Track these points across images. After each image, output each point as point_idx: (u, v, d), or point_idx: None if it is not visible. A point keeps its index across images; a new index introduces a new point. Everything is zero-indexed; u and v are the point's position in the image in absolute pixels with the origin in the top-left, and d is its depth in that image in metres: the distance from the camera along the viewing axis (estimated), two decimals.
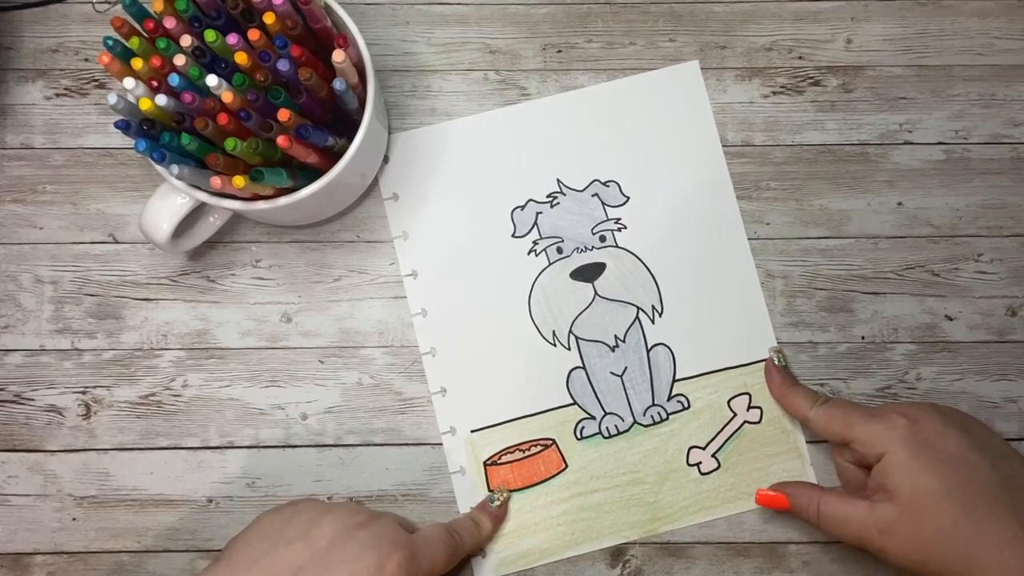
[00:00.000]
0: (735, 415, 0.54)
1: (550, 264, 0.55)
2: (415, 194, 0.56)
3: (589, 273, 0.55)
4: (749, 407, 0.54)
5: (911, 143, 0.56)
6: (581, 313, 0.55)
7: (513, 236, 0.56)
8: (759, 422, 0.54)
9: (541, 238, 0.55)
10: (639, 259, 0.55)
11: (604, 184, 0.56)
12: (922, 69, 0.57)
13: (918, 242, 0.56)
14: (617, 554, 0.53)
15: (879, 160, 0.56)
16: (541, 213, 0.56)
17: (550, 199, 0.56)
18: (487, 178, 0.56)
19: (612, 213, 0.56)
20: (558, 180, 0.56)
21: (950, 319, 0.55)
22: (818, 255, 0.55)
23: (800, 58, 0.57)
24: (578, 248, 0.55)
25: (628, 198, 0.56)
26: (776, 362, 0.54)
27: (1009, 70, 0.57)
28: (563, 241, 0.55)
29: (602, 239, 0.55)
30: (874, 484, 0.47)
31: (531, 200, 0.56)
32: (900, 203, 0.56)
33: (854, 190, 0.56)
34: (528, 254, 0.55)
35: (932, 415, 0.47)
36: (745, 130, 0.57)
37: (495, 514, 0.52)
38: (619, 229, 0.56)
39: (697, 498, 0.53)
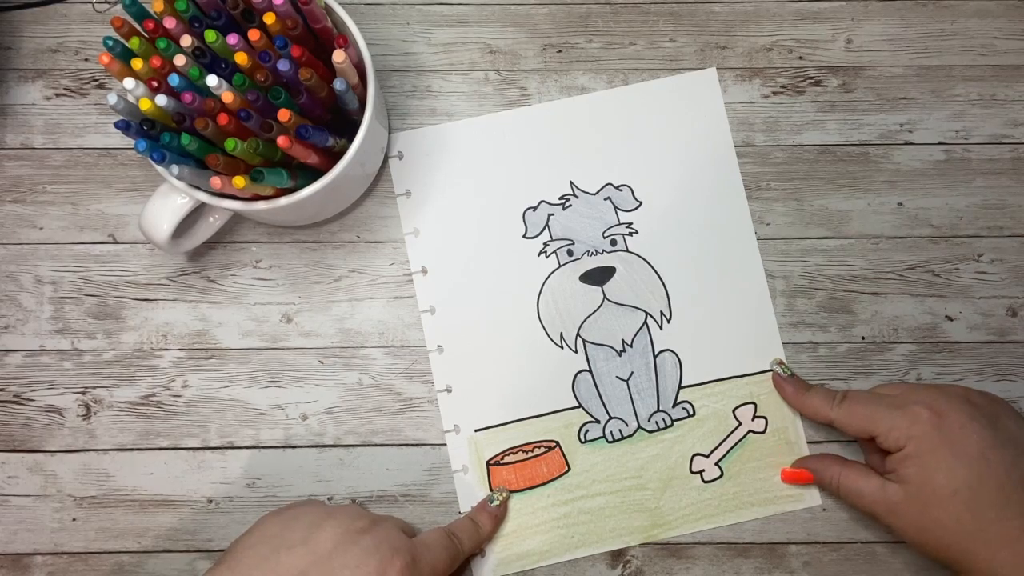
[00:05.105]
0: (740, 424, 0.54)
1: (560, 266, 0.55)
2: (428, 191, 0.56)
3: (599, 277, 0.55)
4: (754, 416, 0.54)
5: (911, 143, 0.56)
6: (589, 316, 0.55)
7: (524, 237, 0.56)
8: (764, 432, 0.54)
9: (552, 240, 0.55)
10: (649, 264, 0.55)
11: (617, 188, 0.56)
12: (922, 69, 0.57)
13: (918, 242, 0.56)
14: (617, 554, 0.53)
15: (879, 160, 0.56)
16: (553, 215, 0.56)
17: (562, 201, 0.56)
18: (500, 178, 0.56)
19: (624, 217, 0.56)
20: (571, 182, 0.56)
21: (950, 319, 0.55)
22: (818, 255, 0.55)
23: (800, 58, 0.57)
24: (589, 251, 0.55)
25: (640, 203, 0.56)
26: (781, 374, 0.54)
27: (1009, 70, 0.57)
28: (574, 243, 0.55)
29: (613, 243, 0.55)
30: (890, 466, 0.48)
31: (543, 201, 0.56)
32: (900, 203, 0.56)
33: (854, 190, 0.56)
34: (538, 255, 0.55)
35: (959, 407, 0.47)
36: (745, 130, 0.57)
37: (494, 514, 0.52)
38: (630, 233, 0.55)
39: (699, 506, 0.53)
